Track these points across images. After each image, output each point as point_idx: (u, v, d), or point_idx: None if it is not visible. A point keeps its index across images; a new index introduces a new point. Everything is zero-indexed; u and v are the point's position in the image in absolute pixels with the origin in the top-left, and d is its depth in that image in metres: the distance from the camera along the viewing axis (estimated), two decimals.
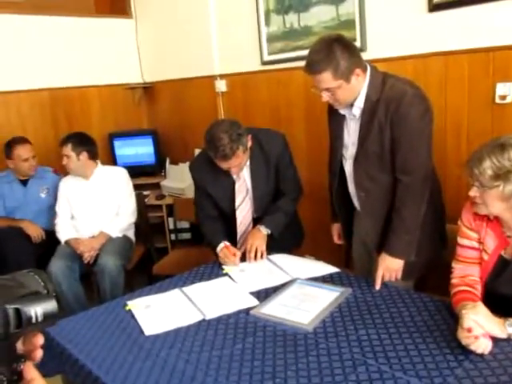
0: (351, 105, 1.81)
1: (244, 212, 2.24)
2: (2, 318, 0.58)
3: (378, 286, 1.77)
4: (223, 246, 2.13)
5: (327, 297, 1.73)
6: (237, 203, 2.22)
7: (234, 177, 2.19)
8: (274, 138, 2.23)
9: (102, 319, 1.72)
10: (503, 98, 2.15)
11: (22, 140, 3.26)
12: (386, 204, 1.84)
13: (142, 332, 1.60)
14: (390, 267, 1.81)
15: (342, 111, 1.87)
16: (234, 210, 2.22)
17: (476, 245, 1.59)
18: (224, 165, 2.05)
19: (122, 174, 3.18)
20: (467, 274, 1.59)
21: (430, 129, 1.76)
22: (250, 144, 2.09)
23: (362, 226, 2.04)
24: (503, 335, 1.34)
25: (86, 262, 2.94)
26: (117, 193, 3.10)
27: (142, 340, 1.56)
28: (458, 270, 1.61)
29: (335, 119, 1.93)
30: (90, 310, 1.83)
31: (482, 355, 1.30)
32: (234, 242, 2.22)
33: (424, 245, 1.85)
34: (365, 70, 1.76)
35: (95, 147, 3.10)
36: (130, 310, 1.75)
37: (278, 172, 2.23)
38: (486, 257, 1.56)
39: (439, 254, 1.94)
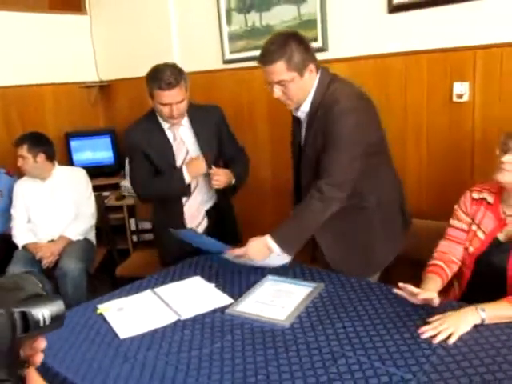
0: (297, 108, 1.81)
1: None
2: (9, 322, 0.55)
3: (233, 255, 1.81)
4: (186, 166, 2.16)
5: (301, 292, 1.75)
6: (178, 163, 2.22)
7: (171, 138, 2.22)
8: (212, 107, 2.35)
9: (73, 324, 1.67)
10: (460, 96, 2.25)
11: None
12: None
13: (116, 335, 1.57)
14: (255, 251, 1.77)
15: (295, 113, 1.87)
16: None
17: (465, 227, 1.72)
18: (167, 97, 2.05)
19: (81, 174, 3.10)
20: (449, 251, 1.72)
21: (359, 140, 1.72)
22: (188, 93, 2.15)
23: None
24: (477, 321, 1.41)
25: (45, 267, 2.84)
26: (75, 194, 3.02)
27: (116, 343, 1.52)
28: (442, 246, 1.75)
29: (295, 121, 1.95)
30: None
31: (453, 343, 1.36)
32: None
33: (374, 249, 1.90)
34: (317, 70, 1.77)
35: (52, 147, 3.00)
36: (101, 314, 1.71)
37: (220, 141, 2.30)
38: (482, 236, 1.67)
39: (393, 257, 1.97)
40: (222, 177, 2.17)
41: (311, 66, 1.73)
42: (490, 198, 1.68)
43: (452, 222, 1.77)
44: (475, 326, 1.41)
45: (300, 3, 2.72)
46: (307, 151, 1.84)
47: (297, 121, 1.92)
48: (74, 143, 3.80)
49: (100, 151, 3.90)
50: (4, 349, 0.56)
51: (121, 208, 3.57)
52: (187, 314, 1.66)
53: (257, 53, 2.91)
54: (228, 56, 3.16)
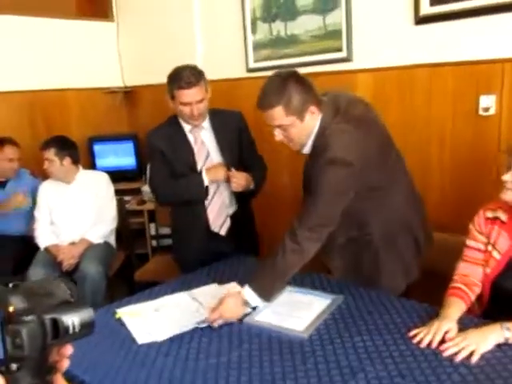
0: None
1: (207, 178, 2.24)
2: (40, 328, 0.56)
3: (212, 322, 1.61)
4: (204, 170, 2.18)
5: (320, 304, 1.74)
6: (199, 166, 2.23)
7: (192, 141, 2.24)
8: (234, 112, 2.37)
9: None
10: (486, 110, 2.22)
11: (10, 141, 3.22)
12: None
13: (134, 340, 1.57)
14: (231, 308, 1.63)
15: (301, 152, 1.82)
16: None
17: (482, 247, 1.67)
18: (187, 96, 2.09)
19: (104, 178, 3.13)
20: (469, 273, 1.67)
21: (339, 191, 1.65)
22: (209, 94, 2.19)
23: None
24: (501, 339, 1.38)
25: (65, 269, 2.87)
26: (98, 198, 3.05)
27: (135, 349, 1.53)
28: (462, 268, 1.69)
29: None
30: None
31: (476, 362, 1.33)
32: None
33: (382, 277, 1.85)
34: (320, 109, 1.68)
35: (77, 151, 3.05)
36: (119, 319, 1.72)
37: (241, 146, 2.31)
38: (497, 256, 1.62)
39: (405, 284, 1.90)
40: (241, 180, 2.18)
41: (312, 108, 1.65)
42: (504, 217, 1.62)
43: (468, 242, 1.71)
44: (498, 345, 1.38)
45: (326, 13, 2.72)
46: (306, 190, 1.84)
47: None
48: (97, 147, 3.85)
49: (122, 156, 3.95)
50: (35, 355, 0.56)
51: (141, 213, 3.60)
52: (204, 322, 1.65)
53: (281, 62, 2.98)
54: (252, 64, 3.17)
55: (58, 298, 0.60)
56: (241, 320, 1.66)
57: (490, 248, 1.64)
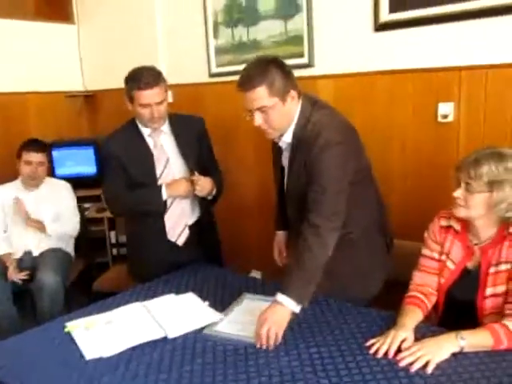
0: (280, 137, 1.74)
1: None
2: None
3: (260, 345, 1.50)
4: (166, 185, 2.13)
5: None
6: (158, 172, 2.16)
7: (151, 145, 2.17)
8: (195, 118, 2.33)
9: (38, 343, 1.60)
10: (445, 117, 2.23)
11: None
12: None
13: (82, 356, 1.50)
14: (277, 319, 1.51)
15: (279, 142, 1.79)
16: (155, 182, 2.16)
17: (436, 256, 1.66)
18: (147, 97, 2.03)
19: (67, 189, 3.07)
20: (425, 283, 1.66)
21: (343, 172, 1.65)
22: (168, 95, 2.16)
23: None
24: (456, 348, 1.37)
25: (10, 280, 2.75)
26: (58, 207, 2.96)
27: (82, 364, 1.45)
28: (417, 277, 1.68)
29: (276, 146, 1.88)
30: (24, 332, 1.69)
31: (431, 372, 1.32)
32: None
33: (360, 278, 1.83)
34: (299, 98, 1.70)
35: None
36: (69, 332, 1.64)
37: (200, 151, 2.26)
38: (451, 266, 1.62)
39: (380, 285, 1.90)
40: (205, 183, 2.13)
41: (293, 93, 1.65)
42: (457, 226, 1.62)
43: (424, 251, 1.70)
44: (454, 354, 1.37)
45: (287, 19, 2.70)
46: (291, 183, 1.79)
47: (278, 147, 1.85)
48: (56, 154, 3.72)
49: (82, 162, 3.82)
50: None
51: (101, 220, 3.50)
52: (162, 333, 1.59)
53: (243, 67, 2.94)
54: (214, 69, 3.13)
55: None
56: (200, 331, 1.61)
57: (443, 257, 1.64)
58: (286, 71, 1.65)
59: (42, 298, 2.67)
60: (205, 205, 2.27)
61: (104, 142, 2.23)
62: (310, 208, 1.63)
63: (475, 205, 1.49)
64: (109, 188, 2.23)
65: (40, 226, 2.87)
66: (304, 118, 1.69)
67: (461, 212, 1.54)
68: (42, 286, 2.67)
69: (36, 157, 2.87)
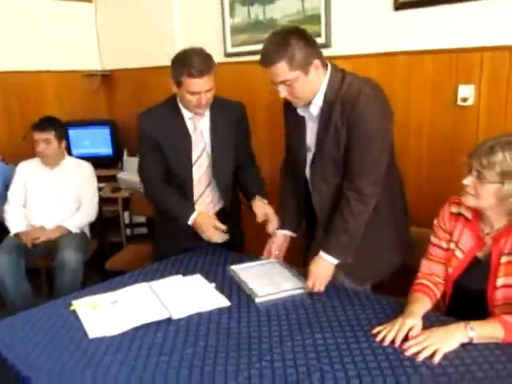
0: (309, 103, 1.71)
1: (201, 170, 2.11)
2: None
3: (313, 288, 1.69)
4: (198, 215, 2.02)
5: (291, 284, 1.79)
6: (194, 157, 2.08)
7: (191, 129, 2.07)
8: (236, 103, 2.21)
9: (44, 320, 1.60)
10: (465, 100, 2.15)
11: None
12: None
13: (85, 334, 1.50)
14: (321, 273, 1.70)
15: (300, 112, 1.77)
16: (190, 167, 2.08)
17: (444, 245, 1.61)
18: (198, 85, 1.91)
19: (89, 170, 3.07)
20: (432, 272, 1.62)
21: (386, 130, 1.67)
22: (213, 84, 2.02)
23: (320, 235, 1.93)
24: (465, 339, 1.33)
25: (29, 245, 2.78)
26: (80, 189, 2.98)
27: (85, 343, 1.45)
28: (425, 266, 1.64)
29: (293, 120, 1.83)
30: (30, 309, 1.70)
31: (438, 362, 1.28)
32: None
33: (383, 249, 1.82)
34: (325, 65, 1.68)
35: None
36: (74, 310, 1.64)
37: (237, 141, 2.16)
38: (460, 255, 1.56)
39: (401, 258, 1.88)
40: (273, 218, 2.01)
41: (316, 62, 1.63)
42: (468, 214, 1.55)
43: (432, 239, 1.64)
44: (462, 345, 1.32)
45: None
46: (322, 151, 1.73)
47: (297, 122, 1.81)
48: (72, 132, 3.73)
49: (98, 142, 3.84)
50: None
51: (115, 200, 3.51)
52: (165, 314, 1.59)
53: (259, 47, 2.80)
54: (230, 49, 3.08)
55: None
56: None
57: (452, 246, 1.58)
58: (307, 41, 1.62)
59: (63, 276, 2.70)
60: (229, 193, 2.21)
61: (140, 119, 2.09)
62: (353, 171, 1.66)
63: (485, 195, 1.42)
64: (145, 170, 2.14)
65: (60, 231, 2.87)
66: (338, 79, 1.68)
67: (470, 201, 1.47)
68: (64, 264, 2.69)
69: (40, 135, 2.83)
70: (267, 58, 1.61)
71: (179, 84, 1.95)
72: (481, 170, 1.41)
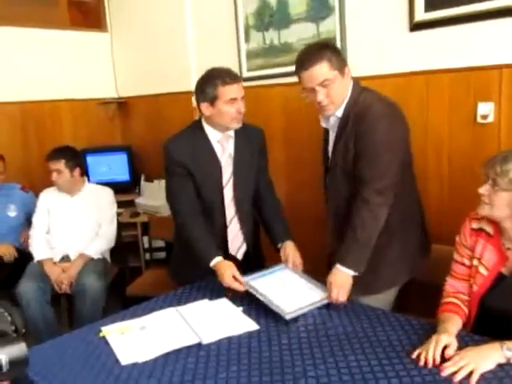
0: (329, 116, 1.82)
1: (230, 193, 2.08)
2: None
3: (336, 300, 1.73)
4: (219, 263, 1.92)
5: (315, 295, 1.80)
6: (224, 180, 2.05)
7: (219, 152, 2.04)
8: (257, 128, 2.23)
9: (74, 347, 1.60)
10: (484, 117, 2.16)
11: None
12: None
13: (117, 361, 1.50)
14: (341, 283, 1.73)
15: (323, 124, 1.88)
16: (221, 190, 2.06)
17: (466, 262, 1.60)
18: (235, 91, 1.92)
19: (109, 195, 3.09)
20: (458, 290, 1.60)
21: (395, 144, 1.72)
22: None
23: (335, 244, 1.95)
24: (502, 359, 1.31)
25: (60, 292, 2.78)
26: (100, 214, 2.99)
27: (117, 370, 1.45)
28: (450, 284, 1.64)
29: (325, 133, 1.95)
30: (60, 336, 1.70)
31: (475, 382, 1.26)
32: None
33: (400, 257, 1.84)
34: (350, 77, 1.81)
35: (83, 163, 3.02)
36: (103, 337, 1.64)
37: (258, 167, 2.17)
38: (484, 272, 1.54)
39: (418, 266, 1.92)
40: (298, 261, 2.02)
41: (347, 69, 1.78)
42: (490, 229, 1.54)
43: (455, 256, 1.64)
44: (500, 365, 1.30)
45: (319, 21, 2.67)
46: (336, 161, 1.83)
47: (326, 131, 1.93)
48: (90, 159, 3.79)
49: (116, 168, 3.88)
50: None
51: (134, 225, 3.53)
52: (194, 339, 1.58)
53: (275, 71, 2.93)
54: (245, 74, 3.12)
55: None
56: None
57: (475, 262, 1.56)
58: (338, 51, 1.81)
59: (84, 302, 2.70)
60: (250, 219, 2.19)
61: (167, 145, 2.04)
62: (360, 181, 1.71)
63: (499, 204, 1.43)
64: (174, 203, 2.06)
65: (83, 260, 2.86)
66: (356, 94, 1.79)
67: (484, 210, 1.48)
68: (85, 290, 2.70)
69: (51, 165, 2.88)
70: (307, 62, 1.72)
71: (214, 99, 1.93)
72: (495, 177, 1.43)
